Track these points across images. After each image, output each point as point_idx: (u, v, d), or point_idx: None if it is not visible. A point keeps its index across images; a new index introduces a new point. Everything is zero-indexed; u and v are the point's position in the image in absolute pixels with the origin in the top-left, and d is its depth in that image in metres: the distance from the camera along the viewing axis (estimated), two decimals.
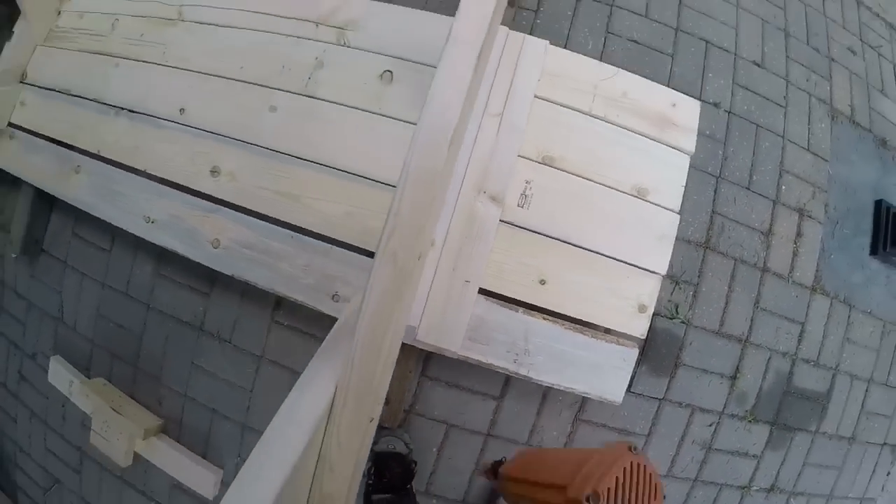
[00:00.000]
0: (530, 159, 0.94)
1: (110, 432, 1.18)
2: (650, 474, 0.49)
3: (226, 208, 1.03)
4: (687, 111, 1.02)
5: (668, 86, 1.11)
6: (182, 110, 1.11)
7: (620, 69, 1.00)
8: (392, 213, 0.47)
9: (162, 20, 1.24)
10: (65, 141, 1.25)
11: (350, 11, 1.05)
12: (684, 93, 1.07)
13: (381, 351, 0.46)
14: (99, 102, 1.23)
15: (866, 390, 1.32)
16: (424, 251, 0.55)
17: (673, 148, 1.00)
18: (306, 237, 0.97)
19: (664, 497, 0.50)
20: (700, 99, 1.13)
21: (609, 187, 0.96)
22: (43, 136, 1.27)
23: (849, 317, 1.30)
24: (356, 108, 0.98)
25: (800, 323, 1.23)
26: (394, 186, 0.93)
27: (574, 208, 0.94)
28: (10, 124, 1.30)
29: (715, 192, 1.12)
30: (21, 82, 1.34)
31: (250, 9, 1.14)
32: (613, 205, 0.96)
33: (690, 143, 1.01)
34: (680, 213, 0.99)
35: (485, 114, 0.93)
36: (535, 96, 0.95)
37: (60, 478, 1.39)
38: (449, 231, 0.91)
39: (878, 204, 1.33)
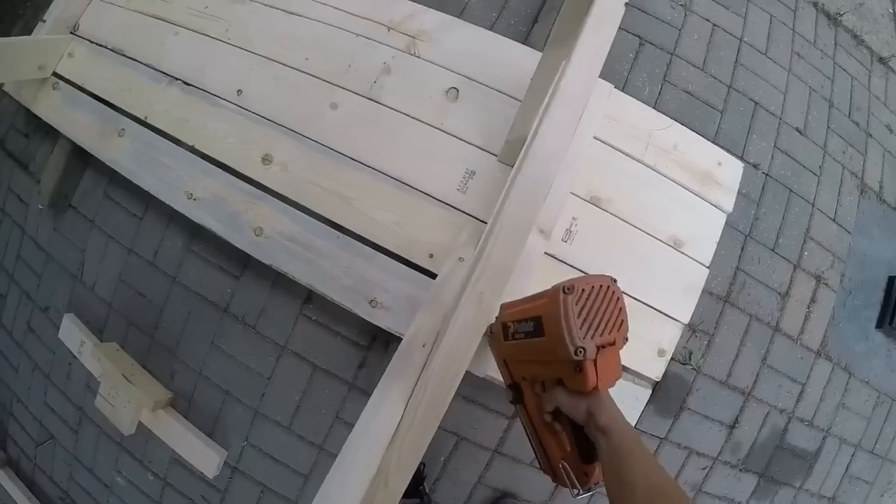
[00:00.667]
0: (579, 197, 0.98)
1: (118, 399, 1.20)
2: (621, 307, 0.53)
3: (273, 198, 1.06)
4: (731, 171, 1.07)
5: (714, 141, 1.17)
6: (239, 91, 1.13)
7: (675, 122, 1.05)
8: (484, 256, 0.51)
9: None
10: (111, 101, 1.26)
11: (423, 21, 1.08)
12: (728, 150, 1.13)
13: (454, 382, 0.51)
14: (152, 69, 1.23)
15: (853, 455, 1.40)
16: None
17: (713, 205, 1.05)
18: (351, 239, 1.00)
19: (626, 340, 0.54)
20: (742, 158, 1.19)
21: (648, 234, 1.01)
22: (88, 92, 1.28)
23: (847, 383, 1.37)
24: (418, 120, 1.01)
25: (801, 383, 1.30)
26: (447, 204, 0.97)
27: (613, 248, 0.99)
28: (55, 74, 1.31)
29: (742, 249, 1.18)
30: (72, 33, 1.34)
31: (323, 0, 1.16)
32: (649, 250, 1.01)
33: (730, 202, 1.06)
34: (709, 266, 1.05)
35: None
36: (594, 137, 0.99)
37: (55, 434, 1.41)
38: None
39: (891, 280, 1.41)
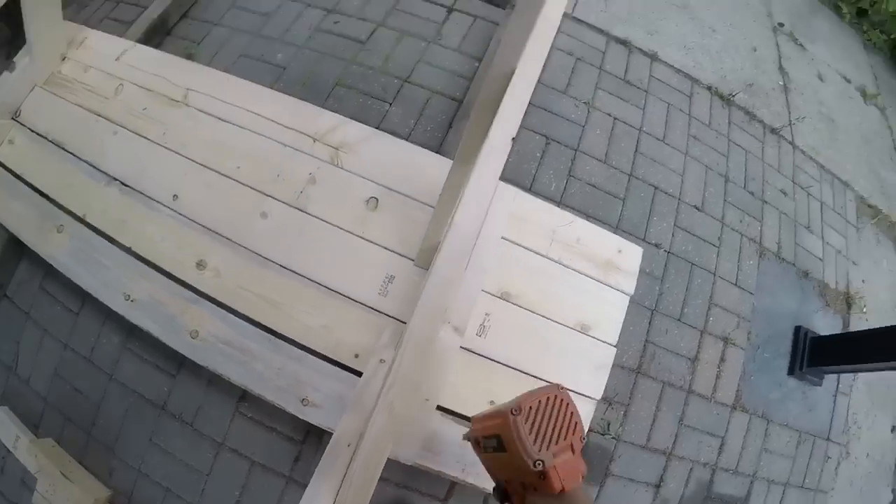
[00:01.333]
0: (491, 293, 1.10)
1: (56, 496, 1.20)
2: (572, 412, 0.57)
3: (208, 302, 1.13)
4: (630, 257, 1.22)
5: (617, 226, 1.33)
6: (175, 196, 1.21)
7: (577, 217, 1.19)
8: (395, 366, 0.59)
9: (167, 99, 1.35)
10: (50, 196, 1.30)
11: (346, 133, 1.20)
12: (631, 234, 1.29)
13: (374, 478, 0.59)
14: (92, 166, 1.29)
15: (783, 493, 1.53)
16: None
17: (615, 289, 1.19)
18: (283, 342, 1.08)
19: (584, 439, 0.57)
20: (644, 240, 1.34)
21: (556, 322, 1.13)
22: (28, 182, 1.31)
23: (766, 429, 1.52)
24: (341, 229, 1.11)
25: (720, 437, 1.44)
26: (369, 307, 1.07)
27: (525, 339, 1.11)
28: None
29: (650, 323, 1.32)
30: (13, 119, 1.38)
31: (253, 110, 1.27)
32: (559, 338, 1.12)
33: (631, 285, 1.20)
34: (616, 345, 1.17)
35: None
36: (502, 237, 1.12)
37: None
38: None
39: (797, 330, 1.59)
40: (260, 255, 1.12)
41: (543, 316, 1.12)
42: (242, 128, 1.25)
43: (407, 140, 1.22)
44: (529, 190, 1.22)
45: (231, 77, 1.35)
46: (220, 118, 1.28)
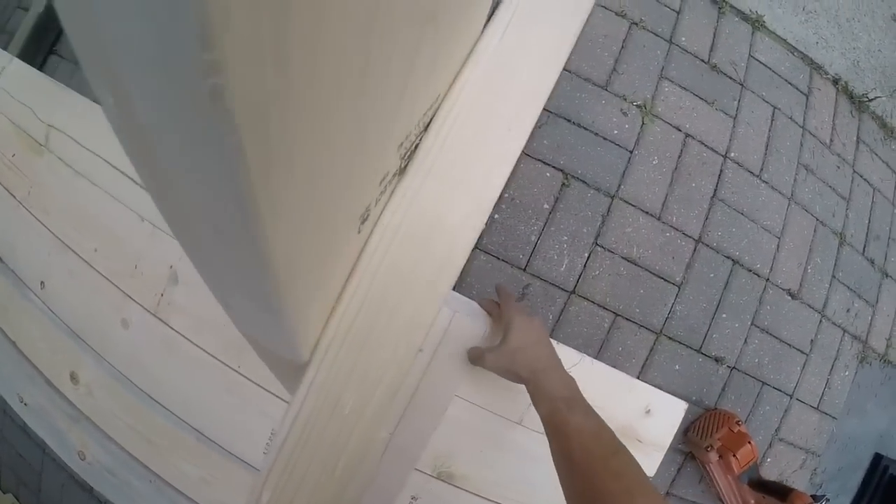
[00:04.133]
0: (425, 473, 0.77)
1: None
2: None
3: (88, 423, 0.96)
4: (664, 417, 0.78)
5: (659, 332, 0.86)
6: (42, 284, 1.00)
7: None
8: None
9: (32, 141, 1.07)
10: None
11: None
12: (679, 342, 0.83)
13: None
14: None
15: None
16: None
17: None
18: (164, 485, 0.90)
19: None
20: (699, 351, 0.87)
21: None
22: None
23: None
24: (212, 356, 0.82)
25: None
26: (255, 468, 0.82)
27: None
28: None
29: None
30: None
31: (113, 161, 0.94)
32: None
33: (658, 458, 0.79)
34: None
35: None
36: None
37: None
38: None
39: (876, 460, 1.06)
40: (125, 377, 0.90)
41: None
42: (101, 188, 0.95)
43: None
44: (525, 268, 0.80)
45: (95, 106, 1.02)
46: (77, 171, 0.98)
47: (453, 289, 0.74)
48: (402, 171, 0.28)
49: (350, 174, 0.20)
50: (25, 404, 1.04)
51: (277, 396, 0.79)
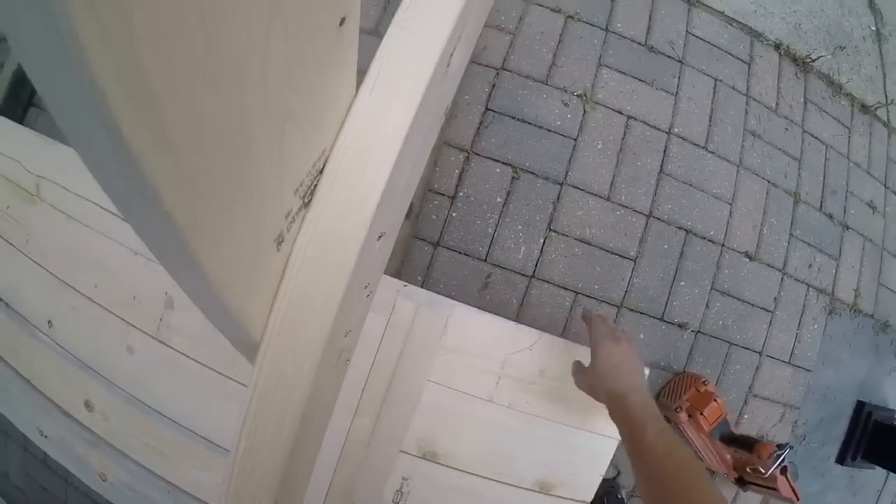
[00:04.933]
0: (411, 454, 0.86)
1: None
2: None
3: (106, 446, 1.05)
4: None
5: (620, 305, 0.94)
6: (50, 323, 1.09)
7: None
8: None
9: (23, 192, 1.16)
10: None
11: None
12: (643, 312, 0.91)
13: None
14: None
15: None
16: None
17: (599, 434, 0.87)
18: (183, 495, 0.98)
19: None
20: (662, 319, 0.96)
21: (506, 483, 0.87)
22: None
23: None
24: (211, 369, 0.91)
25: None
26: None
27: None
28: None
29: None
30: None
31: (102, 203, 1.03)
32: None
33: None
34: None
35: None
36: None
37: None
38: None
39: (859, 407, 1.14)
40: (135, 398, 0.98)
41: (482, 476, 0.86)
42: (93, 229, 1.04)
43: None
44: (485, 259, 0.88)
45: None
46: (70, 216, 1.07)
47: (420, 285, 0.83)
48: (306, 205, 0.36)
49: (247, 217, 0.28)
50: (45, 436, 1.12)
51: None
